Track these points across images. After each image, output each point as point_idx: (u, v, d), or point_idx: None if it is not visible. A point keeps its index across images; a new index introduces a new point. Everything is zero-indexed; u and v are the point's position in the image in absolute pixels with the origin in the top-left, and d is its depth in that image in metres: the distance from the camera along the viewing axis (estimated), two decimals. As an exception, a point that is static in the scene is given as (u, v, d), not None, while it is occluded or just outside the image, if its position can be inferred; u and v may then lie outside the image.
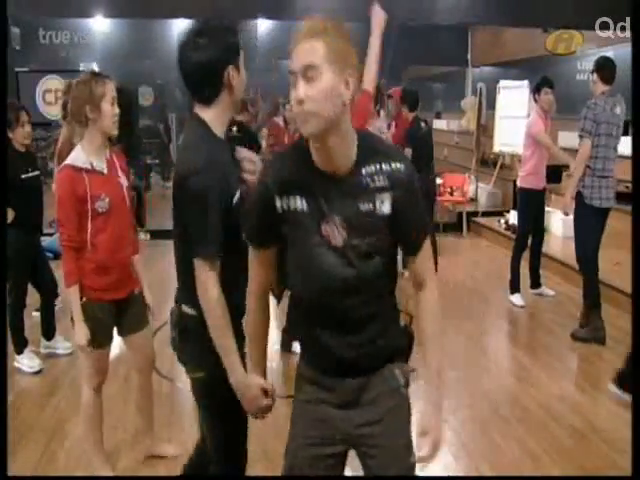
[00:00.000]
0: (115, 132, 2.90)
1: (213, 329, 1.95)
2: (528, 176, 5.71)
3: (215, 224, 1.90)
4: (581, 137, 4.87)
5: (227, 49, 1.94)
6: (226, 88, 1.96)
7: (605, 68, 4.94)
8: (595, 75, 4.95)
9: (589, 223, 4.91)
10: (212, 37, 1.93)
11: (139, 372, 3.20)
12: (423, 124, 6.38)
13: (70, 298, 2.85)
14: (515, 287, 5.86)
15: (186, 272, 1.99)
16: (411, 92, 6.55)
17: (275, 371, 4.57)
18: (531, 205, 5.77)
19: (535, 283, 6.06)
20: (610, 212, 4.89)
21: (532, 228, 5.83)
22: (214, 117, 1.99)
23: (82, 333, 2.84)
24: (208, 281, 1.91)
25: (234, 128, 7.73)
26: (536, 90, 5.76)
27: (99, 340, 2.90)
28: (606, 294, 5.43)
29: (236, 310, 1.97)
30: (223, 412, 2.12)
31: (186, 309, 2.06)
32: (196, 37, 1.93)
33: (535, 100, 5.77)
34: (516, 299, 5.81)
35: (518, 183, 5.90)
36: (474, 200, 9.71)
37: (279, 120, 7.91)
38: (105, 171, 2.90)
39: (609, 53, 10.94)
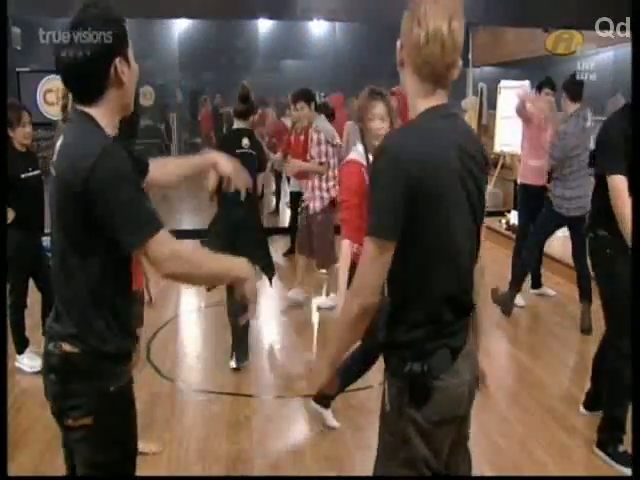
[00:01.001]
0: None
1: (208, 269, 1.78)
2: (527, 172, 5.73)
3: (146, 199, 1.72)
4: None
5: (111, 41, 1.70)
6: (114, 84, 1.73)
7: (571, 87, 5.10)
8: (564, 94, 5.15)
9: (548, 224, 5.30)
10: (92, 29, 1.68)
11: None
12: None
13: None
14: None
15: (76, 293, 1.76)
16: None
17: (275, 371, 4.58)
18: (531, 201, 5.76)
19: (536, 283, 6.05)
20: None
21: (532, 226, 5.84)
22: (101, 117, 1.75)
23: None
24: (175, 244, 1.70)
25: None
26: (537, 89, 5.76)
27: None
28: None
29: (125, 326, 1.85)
30: (120, 462, 1.90)
31: (68, 347, 1.77)
32: (74, 30, 1.68)
33: None
34: (517, 299, 5.81)
35: (518, 179, 5.91)
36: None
37: (286, 120, 7.99)
38: None
39: (609, 53, 10.96)
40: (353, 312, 1.67)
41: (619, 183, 3.04)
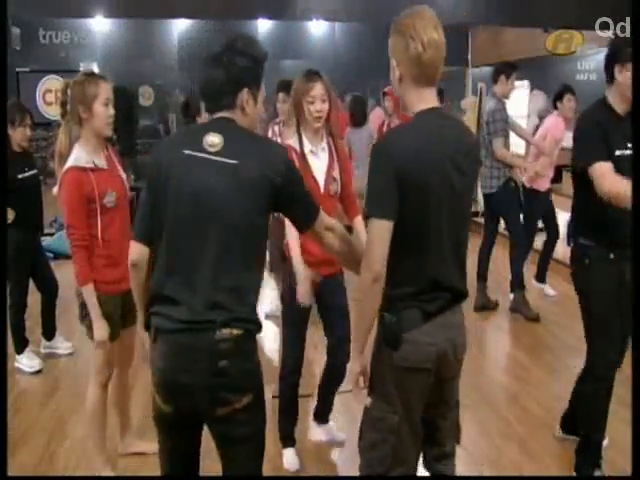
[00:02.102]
0: (109, 133, 2.93)
1: (359, 254, 2.08)
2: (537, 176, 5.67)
3: None
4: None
5: (244, 74, 1.95)
6: (239, 108, 1.97)
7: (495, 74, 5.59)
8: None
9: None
10: (235, 56, 1.94)
11: (120, 367, 3.20)
12: None
13: (85, 297, 2.88)
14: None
15: (239, 279, 1.89)
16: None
17: (275, 371, 4.57)
18: (538, 206, 5.79)
19: (541, 277, 6.09)
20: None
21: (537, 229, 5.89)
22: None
23: (103, 329, 2.89)
24: (330, 221, 2.11)
25: None
26: (558, 97, 5.74)
27: (112, 333, 2.95)
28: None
29: None
30: (264, 431, 2.05)
31: (235, 331, 1.87)
32: (221, 53, 1.95)
33: (555, 107, 5.78)
34: (545, 289, 5.87)
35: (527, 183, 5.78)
36: (474, 200, 9.70)
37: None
38: (106, 167, 2.93)
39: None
40: (367, 281, 1.95)
41: (601, 168, 2.74)
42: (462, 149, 2.03)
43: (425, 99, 2.00)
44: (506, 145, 5.42)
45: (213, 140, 1.91)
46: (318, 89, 2.98)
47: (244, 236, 1.89)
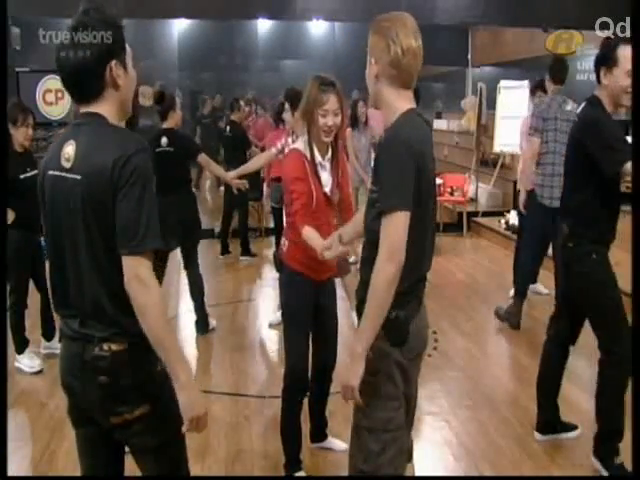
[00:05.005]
0: None
1: (163, 330, 1.75)
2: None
3: (155, 211, 1.76)
4: (530, 135, 5.07)
5: (107, 44, 1.76)
6: (110, 86, 1.80)
7: (554, 69, 5.15)
8: (547, 75, 5.18)
9: (537, 221, 5.09)
10: (90, 30, 1.75)
11: None
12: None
13: None
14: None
15: (114, 293, 1.77)
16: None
17: (275, 371, 4.57)
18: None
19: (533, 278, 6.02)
20: None
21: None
22: (107, 115, 1.81)
23: None
24: (151, 278, 1.73)
25: (227, 127, 7.67)
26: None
27: None
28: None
29: None
30: (176, 441, 1.95)
31: (114, 346, 1.80)
32: (73, 31, 1.76)
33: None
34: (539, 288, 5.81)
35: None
36: (474, 200, 9.71)
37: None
38: None
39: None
40: (391, 273, 1.93)
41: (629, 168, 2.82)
42: (431, 146, 2.17)
43: (403, 99, 2.08)
44: None
45: (69, 153, 1.78)
46: (332, 103, 2.84)
47: (108, 249, 1.75)
